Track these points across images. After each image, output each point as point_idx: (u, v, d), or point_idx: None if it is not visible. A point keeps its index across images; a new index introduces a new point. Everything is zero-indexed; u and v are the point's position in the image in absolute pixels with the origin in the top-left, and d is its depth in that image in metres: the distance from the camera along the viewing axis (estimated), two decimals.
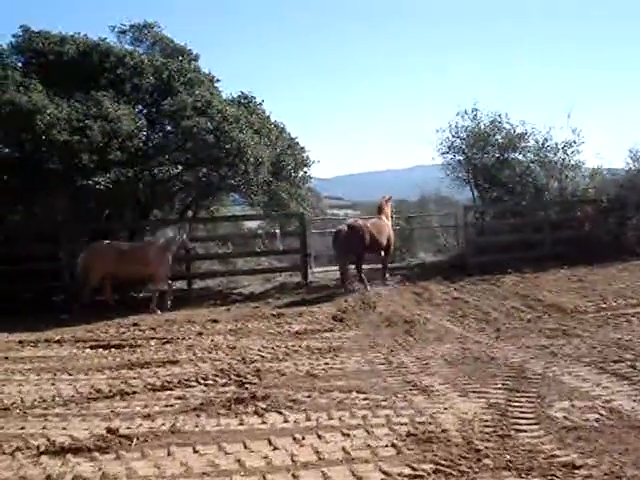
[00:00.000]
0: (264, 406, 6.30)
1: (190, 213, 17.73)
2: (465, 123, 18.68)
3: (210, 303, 14.26)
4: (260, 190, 15.93)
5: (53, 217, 14.98)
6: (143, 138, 14.63)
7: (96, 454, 5.28)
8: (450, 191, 21.22)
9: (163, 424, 5.96)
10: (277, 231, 15.83)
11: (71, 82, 14.52)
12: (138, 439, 5.54)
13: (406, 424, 5.55)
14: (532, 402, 6.00)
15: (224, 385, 7.30)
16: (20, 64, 15.53)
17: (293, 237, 16.84)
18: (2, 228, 15.24)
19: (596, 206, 17.40)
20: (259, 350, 9.11)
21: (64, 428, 6.04)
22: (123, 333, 11.22)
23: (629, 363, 7.19)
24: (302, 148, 17.08)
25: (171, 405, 6.60)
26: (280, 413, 6.10)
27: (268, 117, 16.99)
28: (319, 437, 5.34)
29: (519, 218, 17.91)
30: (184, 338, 10.38)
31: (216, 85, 17.03)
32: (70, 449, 5.38)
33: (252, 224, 22.35)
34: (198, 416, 6.15)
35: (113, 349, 9.84)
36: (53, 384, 7.71)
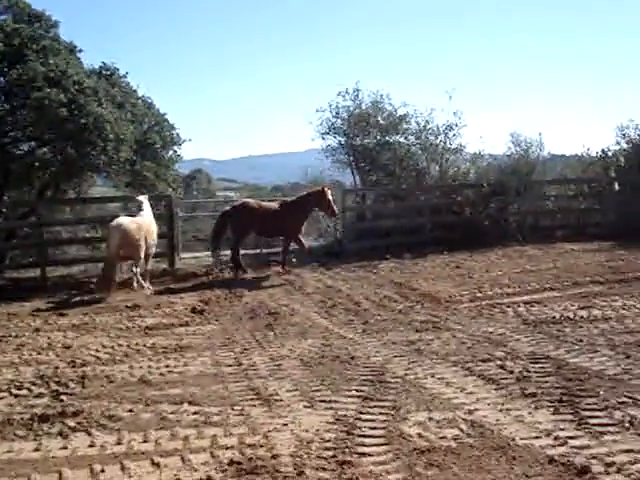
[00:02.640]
0: (73, 425, 5.26)
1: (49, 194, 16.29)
2: (346, 103, 17.99)
3: (65, 293, 12.93)
4: (122, 169, 14.63)
5: None
6: None
7: None
8: (332, 174, 20.54)
9: None
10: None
11: None
12: None
13: (233, 447, 4.64)
14: (385, 414, 5.22)
15: (38, 396, 6.19)
16: None
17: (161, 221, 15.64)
18: None
19: (477, 191, 17.06)
20: (97, 350, 8.01)
21: None
22: None
23: (499, 362, 6.55)
24: (171, 125, 15.89)
25: None
26: (89, 434, 5.07)
27: (135, 91, 15.74)
28: (122, 469, 4.37)
29: (399, 202, 17.34)
30: (17, 335, 9.12)
31: (78, 56, 15.55)
32: None
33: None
34: None
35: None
36: None
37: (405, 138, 17.88)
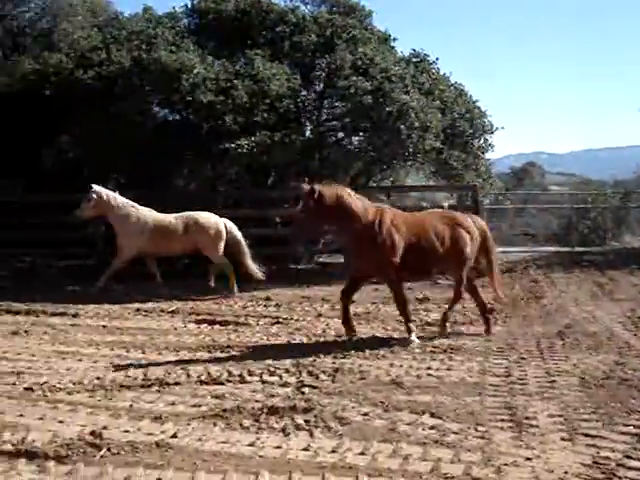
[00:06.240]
0: (299, 422, 4.88)
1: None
2: None
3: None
4: (428, 158, 14.24)
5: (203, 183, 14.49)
6: (298, 99, 13.50)
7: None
8: None
9: (166, 430, 4.79)
10: (445, 204, 14.05)
11: (228, 41, 13.83)
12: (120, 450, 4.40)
13: (453, 478, 3.88)
14: None
15: (283, 385, 5.97)
16: (192, 26, 15.08)
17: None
18: (168, 195, 14.64)
19: None
20: (364, 342, 7.67)
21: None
22: (244, 307, 10.30)
23: None
24: (483, 113, 15.08)
25: (199, 406, 5.39)
26: (310, 435, 4.65)
27: (447, 78, 15.22)
28: None
29: None
30: (298, 319, 9.21)
31: (392, 44, 15.50)
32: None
33: (440, 196, 20.68)
34: (214, 425, 4.88)
35: (217, 325, 8.90)
36: (110, 364, 6.80)
37: None
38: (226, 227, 11.61)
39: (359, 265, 8.03)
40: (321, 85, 14.04)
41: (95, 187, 11.30)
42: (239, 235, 11.68)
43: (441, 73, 15.05)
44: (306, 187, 7.53)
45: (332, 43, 13.60)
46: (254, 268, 11.64)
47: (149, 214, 11.50)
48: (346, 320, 7.93)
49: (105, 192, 11.38)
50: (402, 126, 12.95)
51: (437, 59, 15.06)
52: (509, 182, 33.53)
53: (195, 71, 12.34)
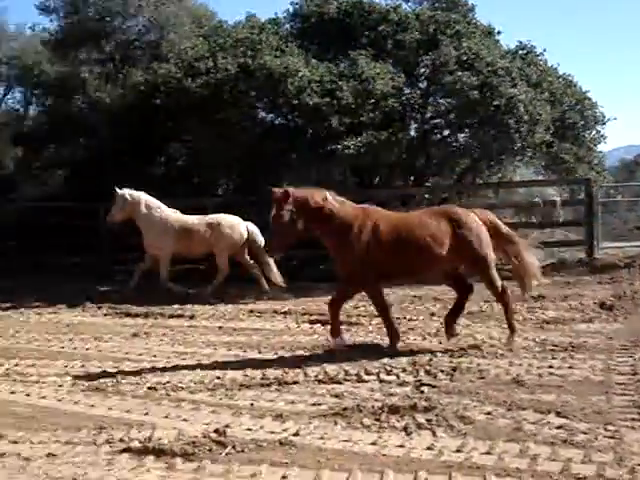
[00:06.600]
0: (421, 421, 4.82)
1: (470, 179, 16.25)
2: None
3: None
4: (538, 152, 13.87)
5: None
6: (402, 98, 13.41)
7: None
8: None
9: (287, 428, 4.86)
10: (557, 199, 13.65)
11: (331, 43, 13.95)
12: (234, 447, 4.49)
13: (585, 479, 3.74)
14: None
15: (401, 384, 5.93)
16: (295, 30, 15.26)
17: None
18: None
19: None
20: (483, 341, 7.52)
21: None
22: (356, 307, 10.26)
23: None
24: (594, 104, 14.59)
25: (319, 404, 5.42)
26: (433, 434, 4.59)
27: (555, 69, 14.80)
28: None
29: None
30: (411, 319, 9.16)
31: (496, 38, 15.20)
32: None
33: (550, 191, 20.12)
34: (335, 423, 4.90)
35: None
36: (229, 363, 6.97)
37: None
38: (248, 231, 11.66)
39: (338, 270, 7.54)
40: (425, 82, 13.95)
41: (120, 190, 11.53)
42: (261, 239, 11.38)
43: (549, 64, 14.62)
44: (279, 191, 7.08)
45: (435, 39, 13.47)
46: (276, 273, 11.52)
47: (173, 215, 11.72)
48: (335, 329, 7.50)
49: (130, 194, 11.57)
50: (510, 120, 12.72)
51: (544, 50, 14.70)
52: (619, 175, 32.21)
53: (300, 74, 12.49)
